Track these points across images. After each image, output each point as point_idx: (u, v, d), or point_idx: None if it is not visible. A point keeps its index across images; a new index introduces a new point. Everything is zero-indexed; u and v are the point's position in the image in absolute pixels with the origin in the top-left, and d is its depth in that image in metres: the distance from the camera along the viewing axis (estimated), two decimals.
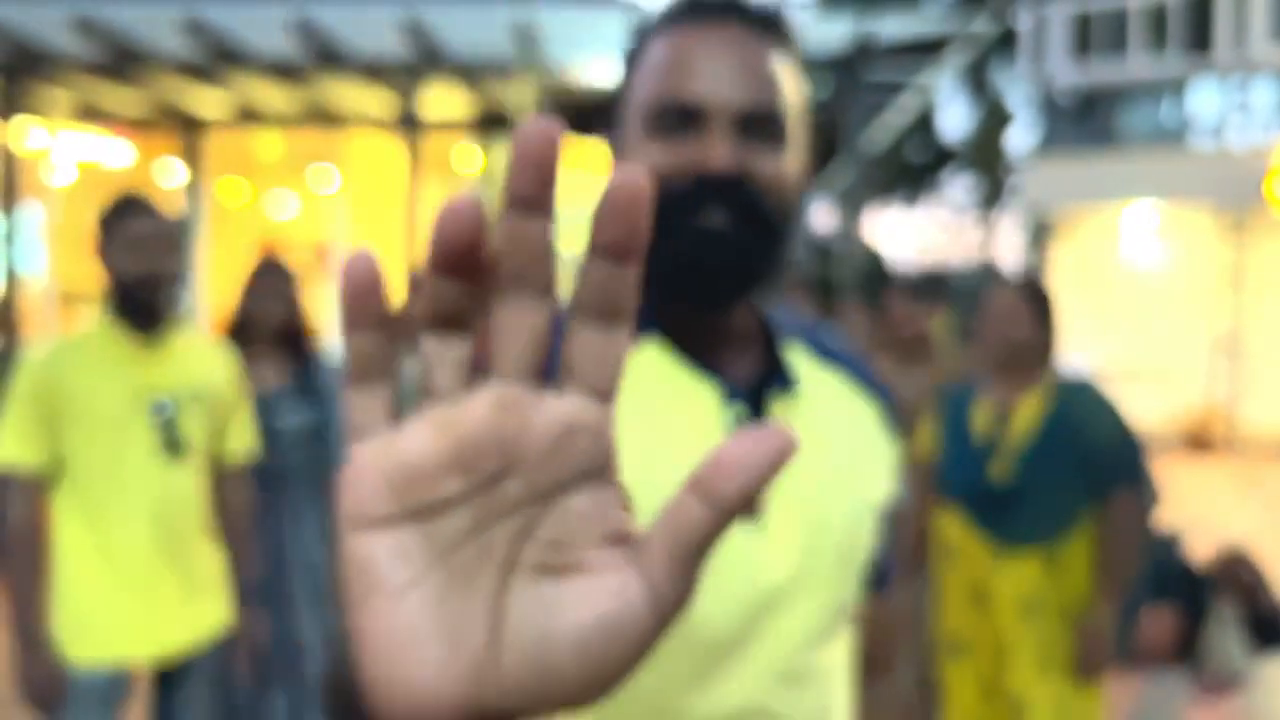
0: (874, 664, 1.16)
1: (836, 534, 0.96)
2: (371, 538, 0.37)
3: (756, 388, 0.99)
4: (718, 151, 0.91)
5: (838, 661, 0.99)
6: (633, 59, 0.98)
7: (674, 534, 0.38)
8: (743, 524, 0.92)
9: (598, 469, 0.39)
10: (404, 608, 0.37)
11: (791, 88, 0.96)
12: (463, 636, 0.38)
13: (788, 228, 0.95)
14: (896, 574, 1.15)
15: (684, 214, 0.91)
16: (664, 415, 0.94)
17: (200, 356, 2.52)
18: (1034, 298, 2.80)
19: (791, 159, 0.96)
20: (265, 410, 2.95)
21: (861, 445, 1.03)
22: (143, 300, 2.35)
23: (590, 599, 0.38)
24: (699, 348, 0.98)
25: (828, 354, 1.07)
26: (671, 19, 0.96)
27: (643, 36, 0.98)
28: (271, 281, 3.11)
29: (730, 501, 0.37)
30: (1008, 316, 2.78)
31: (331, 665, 0.71)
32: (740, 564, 0.91)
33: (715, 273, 0.93)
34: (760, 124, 0.92)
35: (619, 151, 0.99)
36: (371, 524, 0.37)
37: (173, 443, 2.39)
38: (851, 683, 1.07)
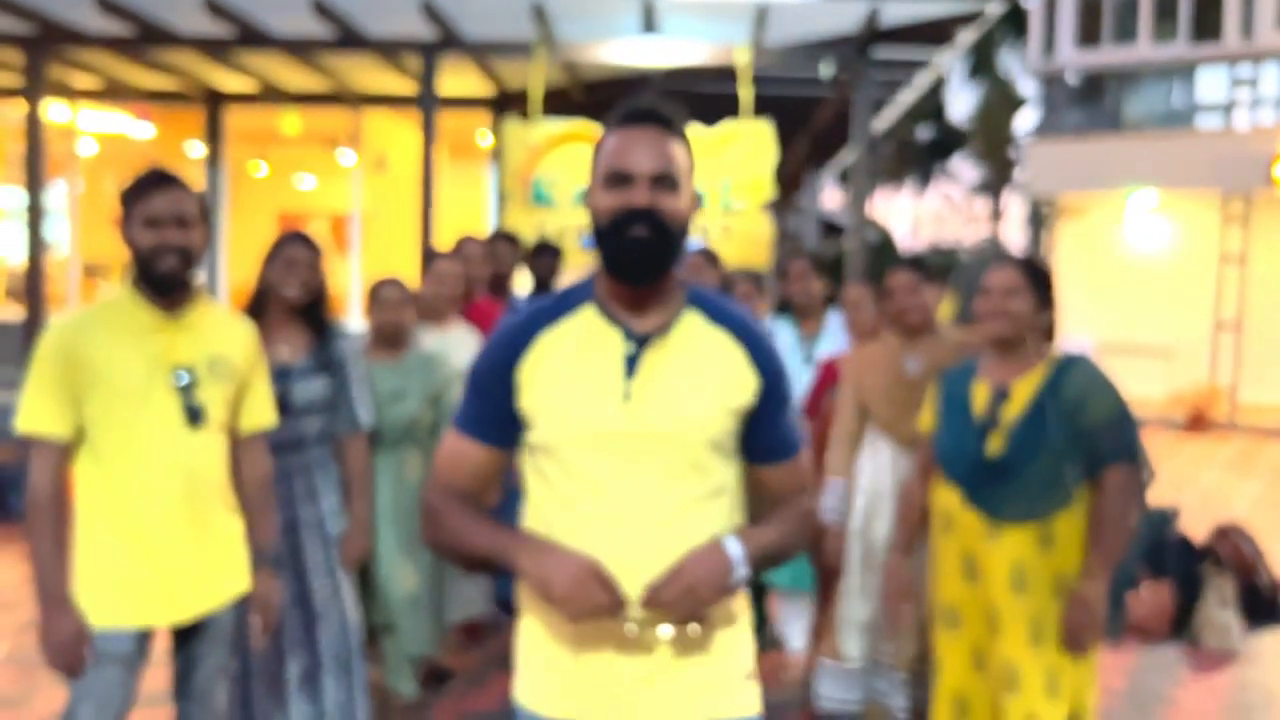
0: (785, 500, 1.82)
1: (685, 415, 1.66)
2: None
3: (651, 334, 1.69)
4: (639, 196, 1.64)
5: (695, 495, 1.67)
6: (599, 144, 1.70)
7: None
8: (619, 400, 1.65)
9: None
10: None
11: (684, 160, 1.68)
12: None
13: (681, 238, 1.67)
14: (803, 447, 1.83)
15: (620, 229, 1.64)
16: (585, 349, 1.70)
17: (220, 328, 2.53)
18: (1032, 274, 2.79)
19: (683, 200, 1.67)
20: (283, 381, 2.97)
21: (721, 370, 1.71)
22: (163, 273, 2.37)
23: None
24: (620, 309, 1.71)
25: (720, 316, 1.75)
26: (618, 121, 1.70)
27: (606, 132, 1.70)
28: (292, 254, 3.09)
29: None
30: (1006, 291, 2.77)
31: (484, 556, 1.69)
32: (607, 428, 1.65)
33: (636, 263, 1.66)
34: (664, 181, 1.65)
35: (588, 196, 1.71)
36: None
37: (192, 412, 2.42)
38: (759, 510, 1.79)
